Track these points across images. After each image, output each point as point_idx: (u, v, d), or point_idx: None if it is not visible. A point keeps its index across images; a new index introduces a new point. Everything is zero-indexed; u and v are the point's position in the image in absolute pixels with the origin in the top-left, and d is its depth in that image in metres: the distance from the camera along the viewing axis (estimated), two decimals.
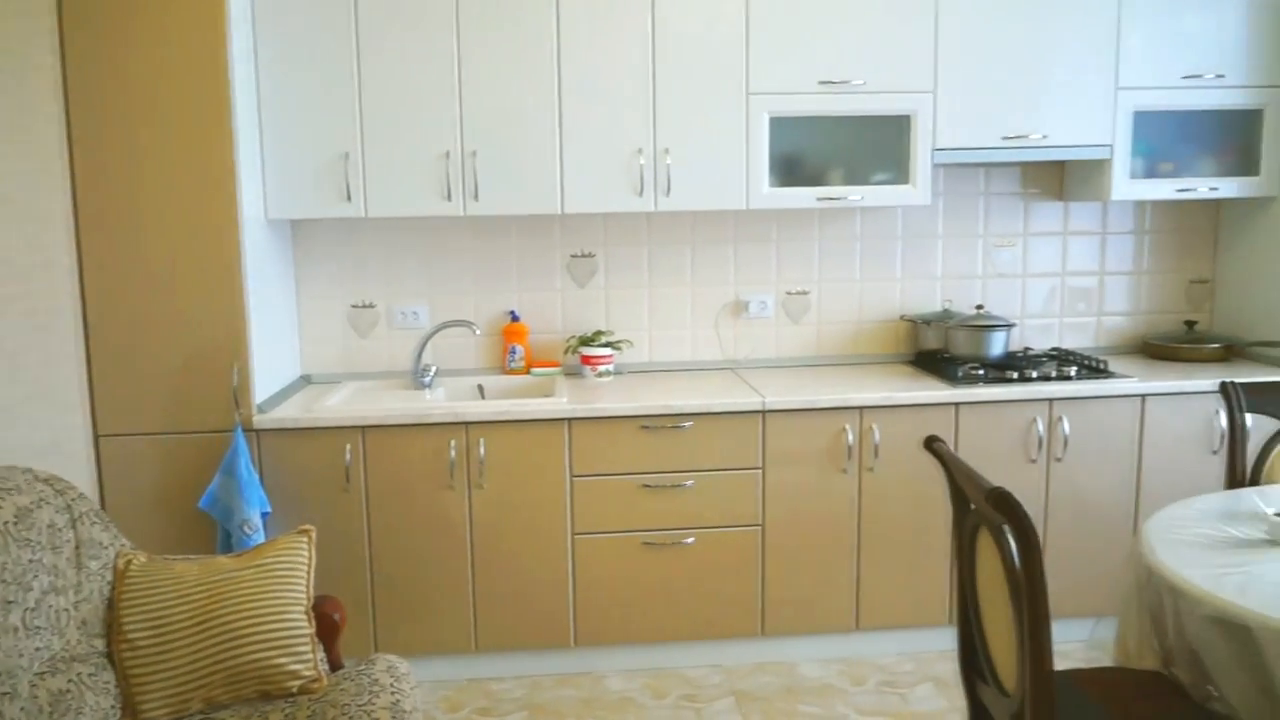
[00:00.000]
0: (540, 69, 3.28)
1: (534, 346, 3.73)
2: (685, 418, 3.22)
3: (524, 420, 3.17)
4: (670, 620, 3.32)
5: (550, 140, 3.31)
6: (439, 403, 3.34)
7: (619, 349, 3.69)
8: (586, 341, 3.65)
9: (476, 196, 3.31)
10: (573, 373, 3.68)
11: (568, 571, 3.26)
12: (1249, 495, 2.47)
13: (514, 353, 3.67)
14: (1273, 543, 2.15)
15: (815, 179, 3.45)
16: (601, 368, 3.60)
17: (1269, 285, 3.65)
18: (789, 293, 3.80)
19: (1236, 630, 1.86)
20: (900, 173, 3.44)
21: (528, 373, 3.67)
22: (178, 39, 2.91)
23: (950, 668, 3.31)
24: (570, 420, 3.19)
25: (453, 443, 3.15)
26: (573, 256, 3.72)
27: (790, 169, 3.43)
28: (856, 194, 3.43)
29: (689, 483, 3.25)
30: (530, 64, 3.27)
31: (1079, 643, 3.48)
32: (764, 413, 3.24)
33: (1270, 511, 2.23)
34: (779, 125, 3.38)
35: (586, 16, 3.26)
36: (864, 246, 3.80)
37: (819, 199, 3.43)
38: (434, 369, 3.59)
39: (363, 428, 3.13)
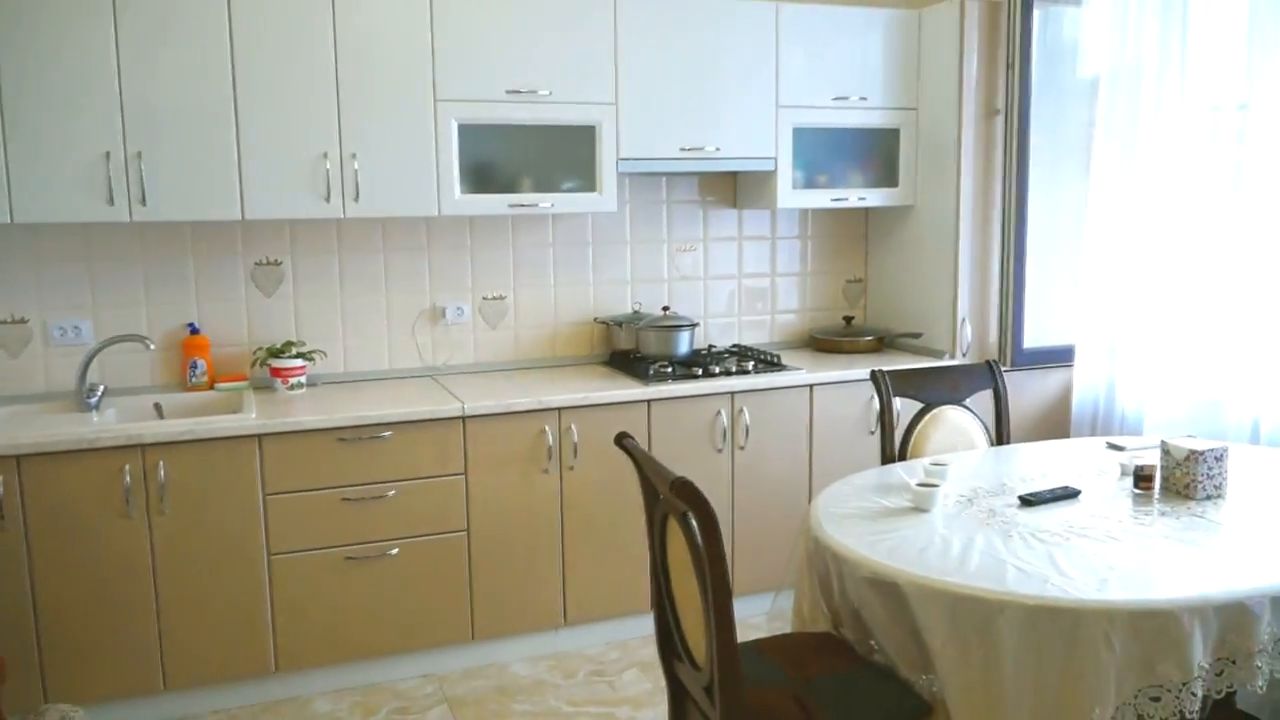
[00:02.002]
0: (212, 64, 3.09)
1: (217, 360, 3.51)
2: (384, 427, 3.17)
3: (209, 439, 2.98)
4: (379, 634, 3.25)
5: (227, 141, 3.13)
6: (109, 425, 3.06)
7: (311, 360, 3.56)
8: (276, 353, 3.49)
9: (144, 201, 3.07)
10: (262, 386, 3.51)
11: (265, 594, 3.11)
12: (897, 469, 2.80)
13: (195, 367, 3.44)
14: (917, 509, 2.45)
15: (507, 186, 3.51)
16: (293, 380, 3.46)
17: (910, 284, 4.15)
18: (486, 298, 3.83)
19: (888, 588, 2.11)
20: (588, 181, 3.57)
21: (211, 388, 3.45)
22: None
23: (654, 652, 3.48)
24: (261, 436, 3.04)
25: (127, 467, 2.91)
26: (257, 264, 3.54)
27: (482, 176, 3.47)
28: (547, 201, 3.52)
29: (391, 493, 3.20)
30: (200, 58, 3.08)
31: (766, 615, 3.77)
32: (464, 418, 3.25)
33: (914, 482, 2.54)
34: (469, 132, 3.40)
35: (261, 12, 3.12)
36: (557, 252, 3.91)
37: (511, 205, 3.49)
38: (102, 388, 3.29)
39: (17, 457, 2.81)
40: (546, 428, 3.35)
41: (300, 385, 3.48)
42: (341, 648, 3.22)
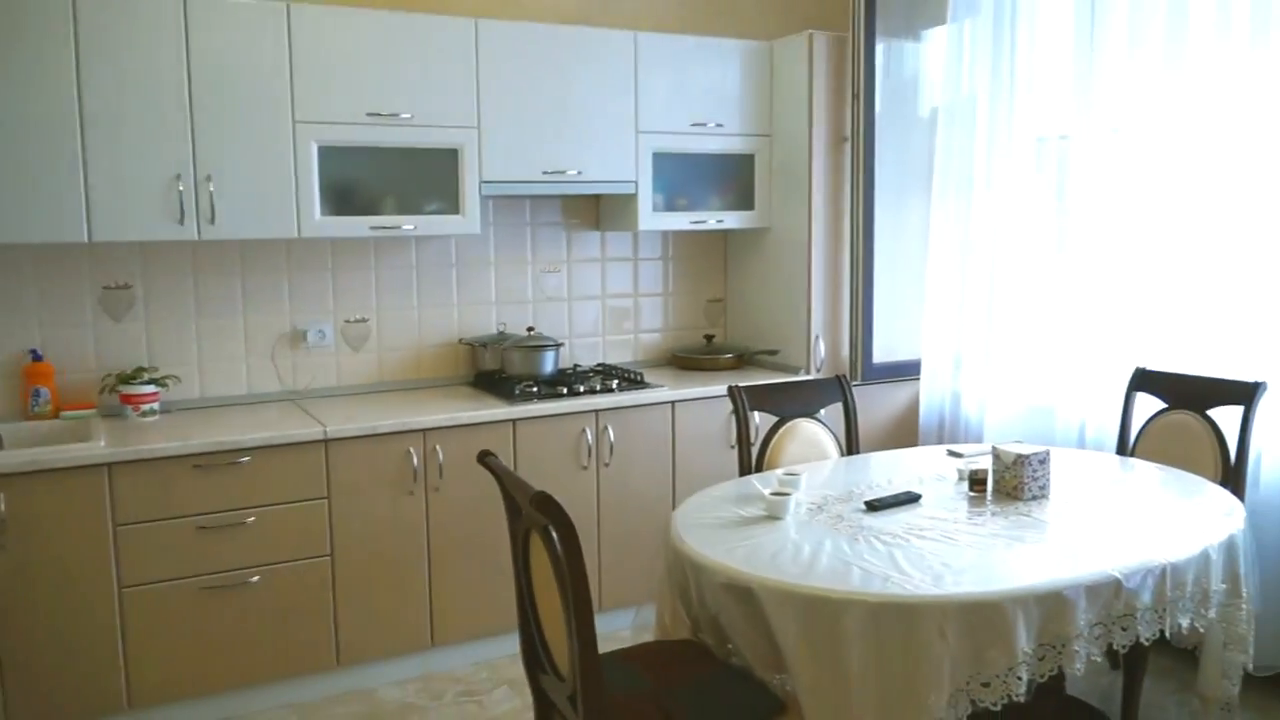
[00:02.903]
0: (56, 82, 3.00)
1: (63, 388, 3.37)
2: (242, 452, 3.11)
3: (53, 469, 2.87)
4: (239, 665, 3.18)
5: (71, 161, 3.03)
6: None
7: (164, 386, 3.46)
8: (126, 379, 3.38)
9: None
10: (112, 414, 3.39)
11: (116, 629, 3.00)
12: (753, 480, 2.92)
13: (38, 395, 3.30)
14: (771, 518, 2.56)
15: (369, 208, 3.50)
16: (145, 407, 3.36)
17: (767, 303, 4.31)
18: (348, 321, 3.80)
19: (742, 592, 2.20)
20: (451, 203, 3.60)
21: (56, 416, 3.32)
22: None
23: (523, 670, 3.50)
24: (110, 465, 2.94)
25: None
26: (106, 289, 3.43)
27: (343, 198, 3.45)
28: (410, 223, 3.53)
29: (250, 519, 3.14)
30: (43, 75, 2.98)
31: (631, 628, 3.83)
32: (327, 441, 3.22)
33: (768, 492, 2.65)
34: (329, 154, 3.38)
35: (108, 30, 3.04)
36: (421, 274, 3.91)
37: (373, 228, 3.48)
38: None
39: None
40: (411, 449, 3.35)
41: (153, 412, 3.38)
42: (200, 680, 3.13)
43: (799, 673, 2.11)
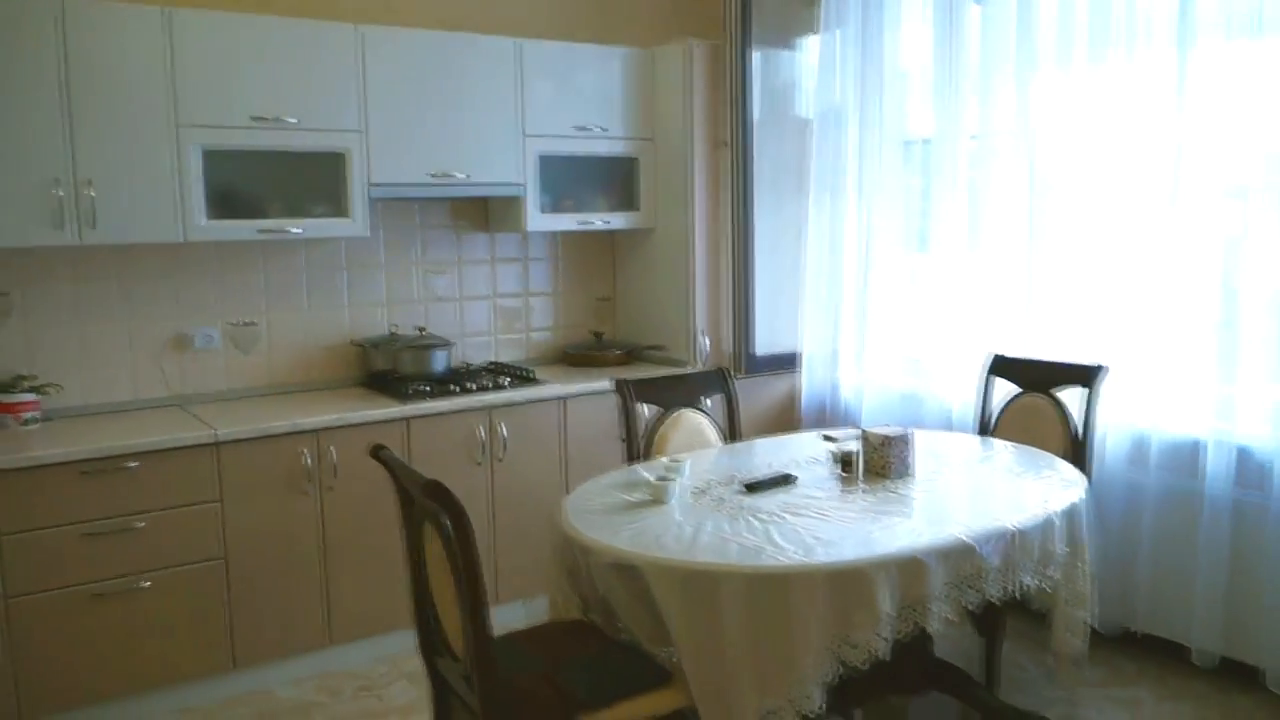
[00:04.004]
0: None
1: None
2: (129, 458, 3.10)
3: None
4: (133, 671, 3.16)
5: None
6: None
7: (46, 393, 3.41)
8: (5, 388, 3.32)
9: None
10: None
11: (3, 639, 2.96)
12: (639, 469, 3.05)
13: None
14: (655, 502, 2.70)
15: (255, 212, 3.52)
16: (26, 415, 3.31)
17: (653, 301, 4.46)
18: (237, 324, 3.80)
19: (629, 571, 2.33)
20: (339, 206, 3.64)
21: None
22: None
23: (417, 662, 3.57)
24: None
25: None
26: None
27: (229, 202, 3.46)
28: (297, 226, 3.56)
29: (140, 524, 3.13)
30: None
31: (525, 617, 3.93)
32: (217, 444, 3.23)
33: (653, 478, 2.79)
34: (213, 158, 3.39)
35: None
36: (310, 276, 3.94)
37: (260, 231, 3.50)
38: None
39: None
40: (304, 450, 3.38)
41: (34, 420, 3.33)
42: (93, 688, 3.11)
43: (683, 643, 2.25)
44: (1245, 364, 3.22)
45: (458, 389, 3.75)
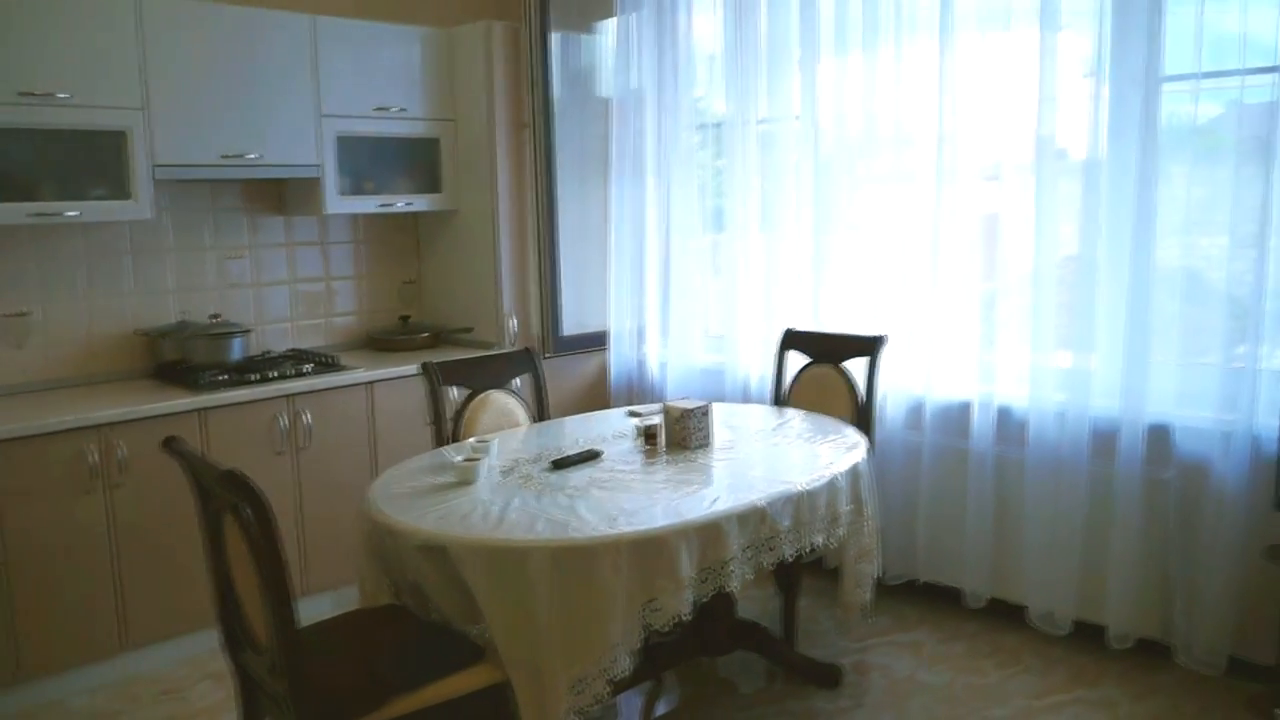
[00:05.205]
0: None
1: None
2: None
3: None
4: None
5: None
6: None
7: None
8: None
9: None
10: None
11: None
12: (447, 451, 3.07)
13: None
14: (463, 483, 2.73)
15: (26, 194, 3.29)
16: None
17: (459, 283, 4.45)
18: (5, 315, 3.54)
19: (438, 552, 2.36)
20: (120, 188, 3.44)
21: None
22: None
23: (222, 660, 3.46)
24: None
25: None
26: None
27: None
28: (74, 209, 3.35)
29: None
30: None
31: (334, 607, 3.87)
32: None
33: (459, 459, 2.82)
34: None
35: None
36: (90, 263, 3.71)
37: (31, 215, 3.27)
38: None
39: None
40: (89, 447, 3.20)
41: None
42: None
43: (493, 619, 2.30)
44: (1004, 332, 3.54)
45: (257, 377, 3.64)
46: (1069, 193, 3.32)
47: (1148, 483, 3.20)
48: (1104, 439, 3.28)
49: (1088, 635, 3.40)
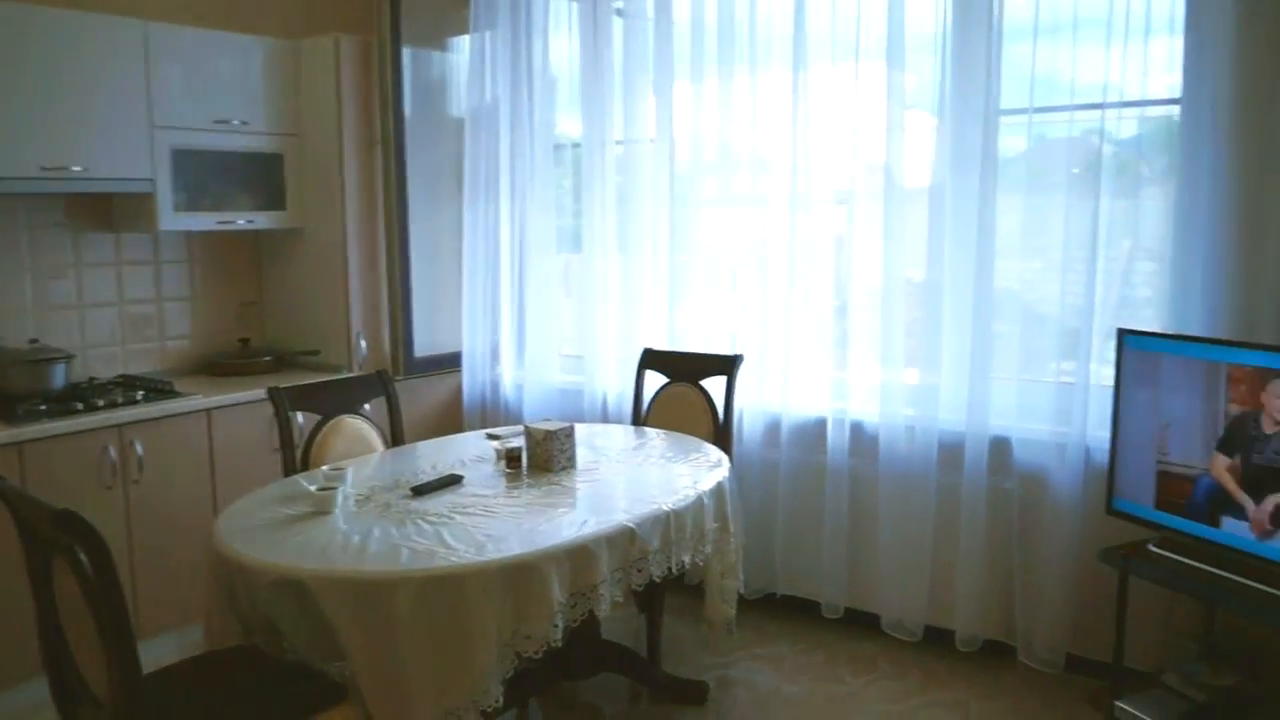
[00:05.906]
0: None
1: None
2: None
3: None
4: None
5: None
6: None
7: None
8: None
9: None
10: None
11: None
12: (299, 479, 2.92)
13: None
14: (319, 512, 2.60)
15: None
16: None
17: (305, 304, 4.27)
18: None
19: (294, 587, 2.23)
20: None
21: None
22: None
23: (49, 715, 3.17)
24: None
25: None
26: None
27: None
28: None
29: None
30: None
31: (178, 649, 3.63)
32: None
33: (313, 488, 2.68)
34: None
35: None
36: None
37: None
38: None
39: None
40: None
41: None
42: None
43: (356, 656, 2.19)
44: (855, 350, 3.66)
45: (82, 406, 3.37)
46: (915, 219, 3.47)
47: (991, 492, 3.37)
48: (950, 451, 3.43)
49: (938, 640, 3.53)
